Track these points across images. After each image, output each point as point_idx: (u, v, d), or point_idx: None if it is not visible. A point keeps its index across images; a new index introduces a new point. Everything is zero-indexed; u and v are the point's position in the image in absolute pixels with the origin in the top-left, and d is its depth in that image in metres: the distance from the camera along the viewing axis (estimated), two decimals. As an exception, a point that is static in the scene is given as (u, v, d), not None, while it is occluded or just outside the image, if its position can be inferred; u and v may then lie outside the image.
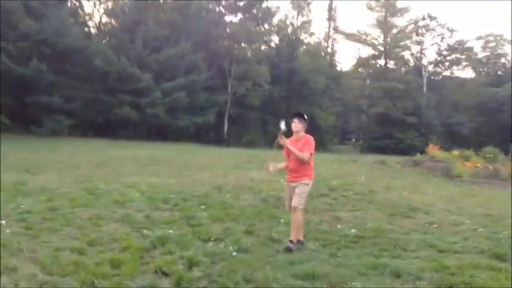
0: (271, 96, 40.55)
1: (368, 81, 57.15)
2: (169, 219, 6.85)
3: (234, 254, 5.30)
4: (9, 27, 27.57)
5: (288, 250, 5.51)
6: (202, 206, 7.76)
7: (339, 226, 6.91)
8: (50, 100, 28.69)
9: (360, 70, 59.99)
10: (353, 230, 6.62)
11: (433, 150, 18.63)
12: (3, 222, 5.99)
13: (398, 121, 47.28)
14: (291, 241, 5.65)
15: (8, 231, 5.66)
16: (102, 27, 41.02)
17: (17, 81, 28.45)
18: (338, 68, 56.56)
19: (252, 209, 7.85)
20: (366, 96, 55.34)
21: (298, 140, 5.81)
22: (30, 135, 27.11)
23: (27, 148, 18.19)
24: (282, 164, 6.12)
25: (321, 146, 43.81)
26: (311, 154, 5.78)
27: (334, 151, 39.88)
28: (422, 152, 19.77)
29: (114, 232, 6.02)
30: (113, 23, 39.56)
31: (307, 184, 5.79)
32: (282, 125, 5.82)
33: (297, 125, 5.83)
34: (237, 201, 8.42)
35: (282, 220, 6.94)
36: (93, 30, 39.85)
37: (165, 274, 4.64)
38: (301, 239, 5.83)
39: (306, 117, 5.94)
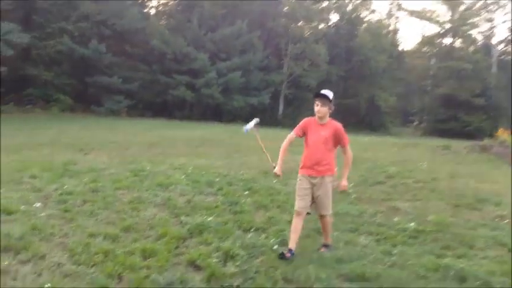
0: (328, 77, 39.34)
1: (433, 60, 54.18)
2: (211, 205, 6.48)
3: (275, 247, 4.83)
4: (70, 8, 28.27)
5: (283, 258, 4.52)
6: (246, 192, 7.34)
7: (396, 219, 6.25)
8: (109, 81, 29.34)
9: (424, 49, 56.96)
10: (412, 224, 5.95)
11: (503, 134, 17.07)
12: (39, 204, 5.84)
13: (464, 103, 44.53)
14: (290, 250, 4.64)
15: (43, 214, 5.50)
16: (159, 7, 41.33)
17: (78, 62, 29.28)
18: (400, 47, 54.01)
19: (300, 196, 7.31)
20: (430, 77, 52.53)
21: (323, 126, 4.73)
22: (91, 115, 27.93)
23: (86, 127, 18.59)
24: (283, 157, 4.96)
25: (380, 128, 42.34)
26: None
27: (395, 134, 38.32)
28: (491, 137, 18.29)
29: (152, 218, 5.72)
30: (170, 3, 39.73)
31: (331, 182, 4.86)
32: (249, 126, 5.29)
33: (320, 108, 4.70)
34: (285, 187, 7.91)
35: (337, 210, 6.35)
36: (151, 11, 40.23)
37: (198, 268, 4.26)
38: (329, 243, 4.99)
39: (331, 97, 4.72)
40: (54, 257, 4.27)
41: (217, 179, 8.16)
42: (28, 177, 7.61)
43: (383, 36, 47.24)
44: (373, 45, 42.06)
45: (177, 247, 4.79)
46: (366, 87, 42.04)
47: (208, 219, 5.62)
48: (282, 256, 4.53)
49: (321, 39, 38.33)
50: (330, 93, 4.75)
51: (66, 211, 5.75)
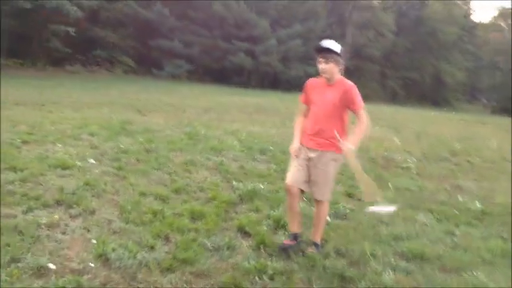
0: (394, 48, 37.76)
1: (508, 35, 50.54)
2: (264, 172, 6.32)
3: (328, 219, 4.59)
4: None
5: (283, 250, 3.74)
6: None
7: (460, 198, 5.80)
8: (170, 44, 29.63)
9: (500, 23, 53.19)
10: (478, 204, 5.50)
11: None
12: (93, 160, 5.90)
13: (540, 82, 41.47)
14: (295, 235, 3.90)
15: (96, 170, 5.54)
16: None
17: (143, 25, 29.71)
18: (474, 19, 50.74)
19: (357, 168, 6.97)
20: (504, 52, 49.18)
21: (331, 87, 3.71)
22: (152, 78, 28.43)
23: (146, 89, 18.89)
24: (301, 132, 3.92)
25: (445, 104, 40.35)
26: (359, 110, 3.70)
27: (460, 110, 36.39)
28: None
29: (203, 181, 5.64)
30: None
31: (335, 160, 3.75)
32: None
33: (324, 66, 3.65)
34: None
35: (390, 184, 6.01)
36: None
37: (247, 234, 4.12)
38: (318, 242, 3.91)
39: (338, 50, 3.66)
40: (104, 213, 4.27)
41: (270, 147, 7.97)
42: (87, 134, 7.75)
43: (456, 6, 44.50)
44: (444, 15, 39.75)
45: (226, 212, 4.68)
46: (433, 60, 40.01)
47: (260, 186, 5.46)
48: (282, 248, 3.75)
49: (389, 8, 36.63)
50: (335, 45, 3.68)
51: (119, 169, 5.77)
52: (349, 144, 3.59)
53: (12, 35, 23.04)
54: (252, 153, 7.38)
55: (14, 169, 5.26)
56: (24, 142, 6.68)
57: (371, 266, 3.61)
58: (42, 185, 4.89)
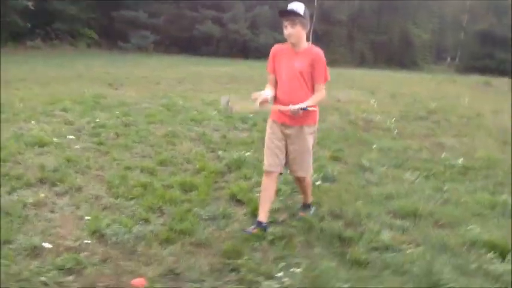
0: (360, 11, 37.70)
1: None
2: (247, 141, 6.25)
3: (319, 183, 4.59)
4: None
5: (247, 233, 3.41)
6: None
7: (443, 155, 5.90)
8: (135, 15, 28.72)
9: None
10: (460, 160, 5.61)
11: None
12: (72, 136, 5.70)
13: (502, 40, 42.26)
14: (259, 223, 3.47)
15: (76, 146, 5.36)
16: None
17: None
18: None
19: (338, 132, 7.02)
20: (467, 11, 49.85)
21: (298, 55, 3.40)
22: (118, 51, 27.61)
23: (113, 63, 18.34)
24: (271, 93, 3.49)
25: (412, 65, 40.83)
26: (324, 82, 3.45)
27: (427, 71, 36.93)
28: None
29: (188, 152, 5.54)
30: None
31: (312, 133, 3.54)
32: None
33: (290, 31, 3.33)
34: (322, 124, 7.55)
35: (374, 145, 6.05)
36: None
37: (240, 202, 4.08)
38: (309, 202, 3.90)
39: (301, 12, 3.31)
40: (92, 189, 4.15)
41: (250, 115, 7.88)
42: (59, 110, 7.50)
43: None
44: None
45: (216, 182, 4.62)
46: (400, 22, 40.28)
47: (246, 154, 5.40)
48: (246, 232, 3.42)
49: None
50: (300, 6, 3.33)
51: (99, 144, 5.62)
52: (293, 107, 3.28)
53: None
54: (233, 122, 7.29)
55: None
56: (-5, 122, 6.40)
57: (367, 225, 3.63)
58: (21, 163, 4.72)
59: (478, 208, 4.09)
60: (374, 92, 11.39)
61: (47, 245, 3.02)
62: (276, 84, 3.54)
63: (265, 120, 7.32)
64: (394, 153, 5.90)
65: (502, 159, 5.91)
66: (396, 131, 7.14)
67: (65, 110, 7.51)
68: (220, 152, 5.56)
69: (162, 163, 5.05)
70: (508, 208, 4.03)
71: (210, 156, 5.48)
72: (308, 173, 3.68)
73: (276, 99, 3.51)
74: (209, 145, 5.96)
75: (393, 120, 7.72)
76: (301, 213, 3.81)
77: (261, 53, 31.95)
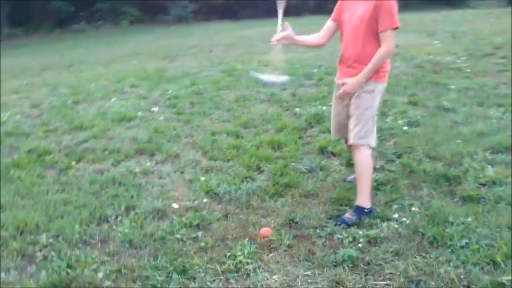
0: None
1: None
2: (318, 96, 6.27)
3: (405, 128, 4.60)
4: None
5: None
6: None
7: (525, 88, 5.72)
8: (171, -14, 28.66)
9: None
10: (546, 92, 5.44)
11: None
12: (156, 108, 5.93)
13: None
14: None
15: (160, 118, 5.58)
16: None
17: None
18: None
19: (407, 77, 6.87)
20: None
21: (362, 2, 2.91)
22: (159, 24, 27.81)
23: (159, 36, 18.55)
24: (303, 38, 3.24)
25: (456, 2, 38.64)
26: (394, 30, 2.86)
27: (474, 7, 34.93)
28: None
29: (264, 113, 5.65)
30: None
31: (370, 92, 2.95)
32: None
33: None
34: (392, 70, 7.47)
35: (452, 86, 5.92)
36: None
37: (332, 154, 4.17)
38: (365, 205, 2.99)
39: None
40: (188, 155, 4.35)
41: (314, 70, 7.87)
42: (129, 86, 7.75)
43: None
44: None
45: (300, 137, 4.72)
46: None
47: (323, 108, 5.45)
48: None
49: None
50: None
51: (179, 114, 5.81)
52: (351, 82, 2.95)
53: (9, 3, 22.63)
54: (298, 80, 7.29)
55: (80, 128, 5.36)
56: (75, 102, 6.73)
57: (468, 163, 3.64)
58: (113, 138, 4.98)
59: None
60: (432, 34, 10.98)
61: (175, 205, 3.25)
62: (327, 34, 3.18)
63: (327, 74, 7.36)
64: (473, 92, 5.77)
65: None
66: (468, 70, 6.93)
67: (134, 86, 7.76)
68: (296, 109, 5.63)
69: (243, 125, 5.19)
70: None
71: (287, 114, 5.57)
72: (356, 139, 2.97)
73: (338, 61, 3.15)
74: (282, 104, 6.03)
75: (461, 59, 7.48)
76: (347, 215, 2.99)
77: (299, 10, 31.35)
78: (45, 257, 2.72)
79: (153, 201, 3.36)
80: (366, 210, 2.97)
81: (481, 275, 2.30)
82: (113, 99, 6.64)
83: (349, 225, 2.88)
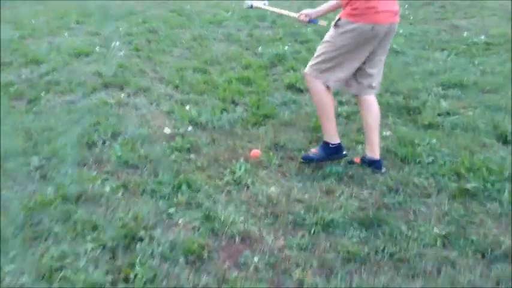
0: None
1: None
2: (275, 37, 6.43)
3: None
4: None
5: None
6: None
7: (464, 34, 6.23)
8: None
9: None
10: (482, 37, 5.98)
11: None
12: (117, 43, 5.81)
13: None
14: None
15: (120, 53, 5.50)
16: None
17: None
18: None
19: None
20: None
21: None
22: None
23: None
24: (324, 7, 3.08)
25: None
26: None
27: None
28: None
29: (226, 51, 5.74)
30: None
31: (337, 27, 2.73)
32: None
33: None
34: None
35: (401, 30, 6.31)
36: None
37: (301, 90, 4.41)
38: (330, 141, 2.92)
39: None
40: (159, 89, 4.41)
41: (267, 13, 7.94)
42: (74, 23, 7.43)
43: None
44: None
45: (267, 75, 4.90)
46: None
47: (285, 48, 5.64)
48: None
49: None
50: None
51: (137, 50, 5.74)
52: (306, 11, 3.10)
53: None
54: (252, 21, 7.39)
55: (36, 62, 5.16)
56: (22, 37, 6.39)
57: (425, 97, 4.04)
58: (75, 72, 4.89)
59: (513, 75, 4.54)
60: None
61: (167, 130, 3.36)
62: None
63: (280, 17, 7.49)
64: (418, 37, 6.21)
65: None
66: (411, 17, 7.38)
67: (79, 22, 7.44)
68: (256, 49, 5.77)
69: (208, 63, 5.27)
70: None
71: (249, 53, 5.70)
72: (309, 68, 2.88)
73: None
74: (241, 44, 6.14)
75: (404, 8, 7.91)
76: (313, 150, 3.01)
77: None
78: (43, 176, 2.78)
79: (138, 129, 3.45)
80: (331, 146, 2.92)
81: (448, 183, 2.69)
82: (65, 34, 6.38)
83: (313, 161, 2.92)
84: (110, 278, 1.88)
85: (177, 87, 4.46)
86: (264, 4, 3.50)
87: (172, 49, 5.84)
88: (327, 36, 2.82)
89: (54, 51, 5.55)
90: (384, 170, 2.88)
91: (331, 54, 2.76)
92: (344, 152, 2.96)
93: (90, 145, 3.21)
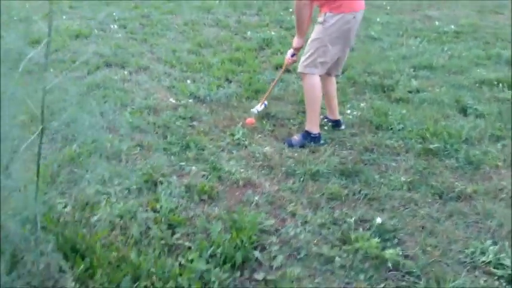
0: None
1: None
2: (262, 23, 6.86)
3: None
4: None
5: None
6: (290, 9, 7.65)
7: (436, 23, 6.78)
8: None
9: None
10: (452, 26, 6.53)
11: None
12: (115, 26, 6.16)
13: None
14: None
15: (118, 35, 5.85)
16: None
17: None
18: None
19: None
20: None
21: None
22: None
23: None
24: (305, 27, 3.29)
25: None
26: None
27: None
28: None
29: (217, 35, 6.14)
30: None
31: (322, 23, 3.05)
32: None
33: None
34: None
35: (378, 19, 6.82)
36: None
37: (288, 70, 4.81)
38: (311, 131, 3.22)
39: None
40: (158, 68, 4.80)
41: (254, 1, 8.36)
42: (67, 7, 7.70)
43: None
44: None
45: (256, 57, 5.33)
46: None
47: (272, 33, 6.08)
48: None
49: None
50: None
51: (133, 33, 6.10)
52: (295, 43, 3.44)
53: None
54: (240, 9, 7.79)
55: (38, 43, 5.44)
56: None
57: (398, 77, 4.54)
58: (77, 52, 5.22)
59: (477, 60, 5.07)
60: None
61: (173, 100, 3.78)
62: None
63: (265, 5, 7.93)
64: (394, 26, 6.73)
65: (483, 25, 6.87)
66: (388, 7, 7.90)
67: (72, 7, 7.72)
68: (248, 33, 6.20)
69: (200, 45, 5.67)
70: (502, 58, 5.03)
71: (239, 38, 6.12)
72: (304, 69, 3.18)
73: None
74: (230, 29, 6.55)
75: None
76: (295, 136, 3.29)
77: None
78: (64, 137, 3.14)
79: (144, 100, 3.85)
80: (312, 135, 3.21)
81: (415, 145, 3.19)
82: (64, 17, 6.69)
83: (293, 146, 3.16)
84: (140, 208, 2.31)
85: (174, 66, 4.85)
86: (264, 105, 3.79)
87: (166, 33, 6.21)
88: (314, 35, 3.12)
89: (54, 33, 5.86)
90: (343, 127, 3.47)
91: (323, 49, 3.08)
92: (322, 141, 3.24)
93: (100, 114, 3.59)
